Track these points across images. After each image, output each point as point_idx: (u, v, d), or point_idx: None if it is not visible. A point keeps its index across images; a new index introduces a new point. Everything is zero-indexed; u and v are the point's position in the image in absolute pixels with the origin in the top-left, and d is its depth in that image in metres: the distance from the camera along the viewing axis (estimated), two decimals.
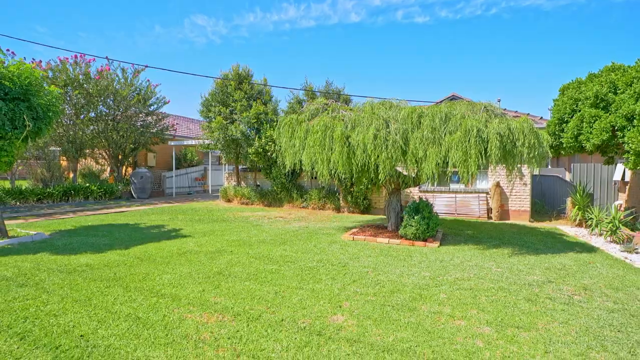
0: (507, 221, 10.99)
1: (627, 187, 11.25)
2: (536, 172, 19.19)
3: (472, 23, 47.61)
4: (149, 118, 16.87)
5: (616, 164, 11.19)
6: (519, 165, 11.38)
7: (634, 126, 7.00)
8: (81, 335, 3.15)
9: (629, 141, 7.02)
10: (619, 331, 3.43)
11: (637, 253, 6.86)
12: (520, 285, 4.70)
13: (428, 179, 6.70)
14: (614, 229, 7.66)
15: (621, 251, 6.99)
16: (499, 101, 19.96)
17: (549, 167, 20.57)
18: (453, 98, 12.84)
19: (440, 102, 12.21)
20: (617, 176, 11.42)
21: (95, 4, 46.03)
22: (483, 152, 5.94)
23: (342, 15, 49.43)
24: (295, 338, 3.18)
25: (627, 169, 10.70)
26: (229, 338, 3.16)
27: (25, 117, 6.31)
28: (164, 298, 4.05)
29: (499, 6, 45.86)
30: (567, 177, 14.93)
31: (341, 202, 12.46)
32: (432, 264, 5.66)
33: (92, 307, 3.77)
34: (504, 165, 6.50)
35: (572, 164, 12.86)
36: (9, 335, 3.13)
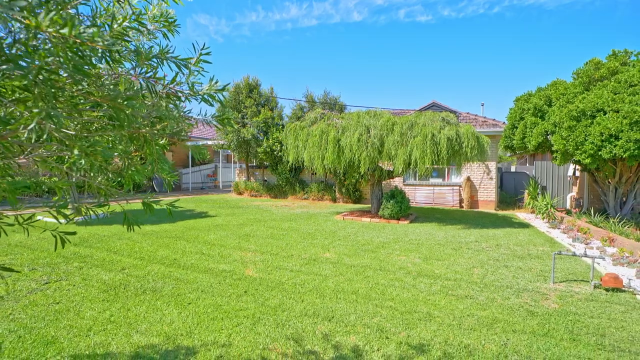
0: (475, 209, 13.13)
1: (578, 181, 13.40)
2: (513, 169, 21.20)
3: (475, 21, 49.41)
4: None
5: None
6: (487, 163, 13.52)
7: (557, 131, 9.13)
8: (174, 259, 5.35)
9: (555, 143, 9.15)
10: (497, 261, 5.59)
11: (558, 229, 9.01)
12: (452, 242, 6.87)
13: (400, 172, 8.86)
14: (546, 211, 9.81)
15: (548, 228, 9.14)
16: (482, 105, 22.12)
17: (527, 164, 22.69)
18: (433, 105, 14.97)
19: (421, 109, 14.37)
20: (570, 172, 13.56)
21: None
22: (436, 151, 8.09)
23: (344, 14, 51.45)
24: (300, 262, 5.36)
25: (577, 167, 12.83)
26: (261, 261, 5.35)
27: None
28: (214, 245, 6.25)
29: (502, 4, 47.69)
30: None
31: (337, 193, 14.64)
32: (397, 232, 7.83)
33: (172, 249, 5.97)
34: (454, 162, 8.63)
35: (534, 162, 14.99)
36: (133, 258, 5.33)
